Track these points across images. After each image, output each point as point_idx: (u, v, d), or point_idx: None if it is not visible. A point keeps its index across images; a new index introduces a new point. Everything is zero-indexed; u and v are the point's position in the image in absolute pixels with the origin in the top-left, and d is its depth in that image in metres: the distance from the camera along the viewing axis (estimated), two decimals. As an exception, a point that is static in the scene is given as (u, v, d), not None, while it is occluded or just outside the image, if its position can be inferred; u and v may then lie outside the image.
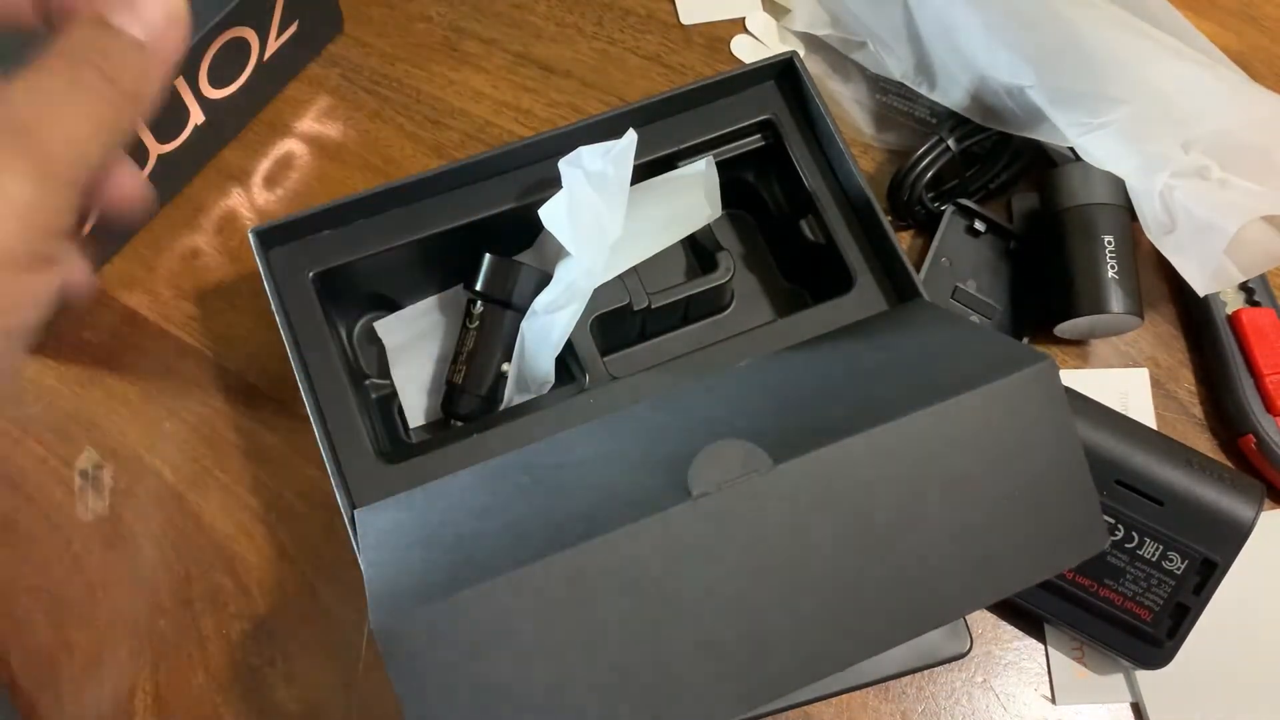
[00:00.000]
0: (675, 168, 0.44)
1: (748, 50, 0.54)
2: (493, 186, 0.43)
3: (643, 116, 0.43)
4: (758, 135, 0.45)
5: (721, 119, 0.44)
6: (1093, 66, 0.44)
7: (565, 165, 0.40)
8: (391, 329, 0.45)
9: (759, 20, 0.55)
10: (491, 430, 0.39)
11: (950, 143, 0.49)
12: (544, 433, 0.39)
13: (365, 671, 0.43)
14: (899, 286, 0.42)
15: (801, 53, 0.54)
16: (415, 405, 0.45)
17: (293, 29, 0.49)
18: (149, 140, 0.45)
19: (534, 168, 0.43)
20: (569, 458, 0.37)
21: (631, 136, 0.39)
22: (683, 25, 0.55)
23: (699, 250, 0.46)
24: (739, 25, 0.55)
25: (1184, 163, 0.43)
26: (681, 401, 0.38)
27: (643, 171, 0.43)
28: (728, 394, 0.37)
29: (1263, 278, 0.48)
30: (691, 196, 0.43)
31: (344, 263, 0.41)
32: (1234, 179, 0.43)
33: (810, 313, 0.42)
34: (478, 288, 0.42)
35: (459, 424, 0.43)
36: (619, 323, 0.43)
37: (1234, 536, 0.41)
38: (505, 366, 0.42)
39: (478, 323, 0.43)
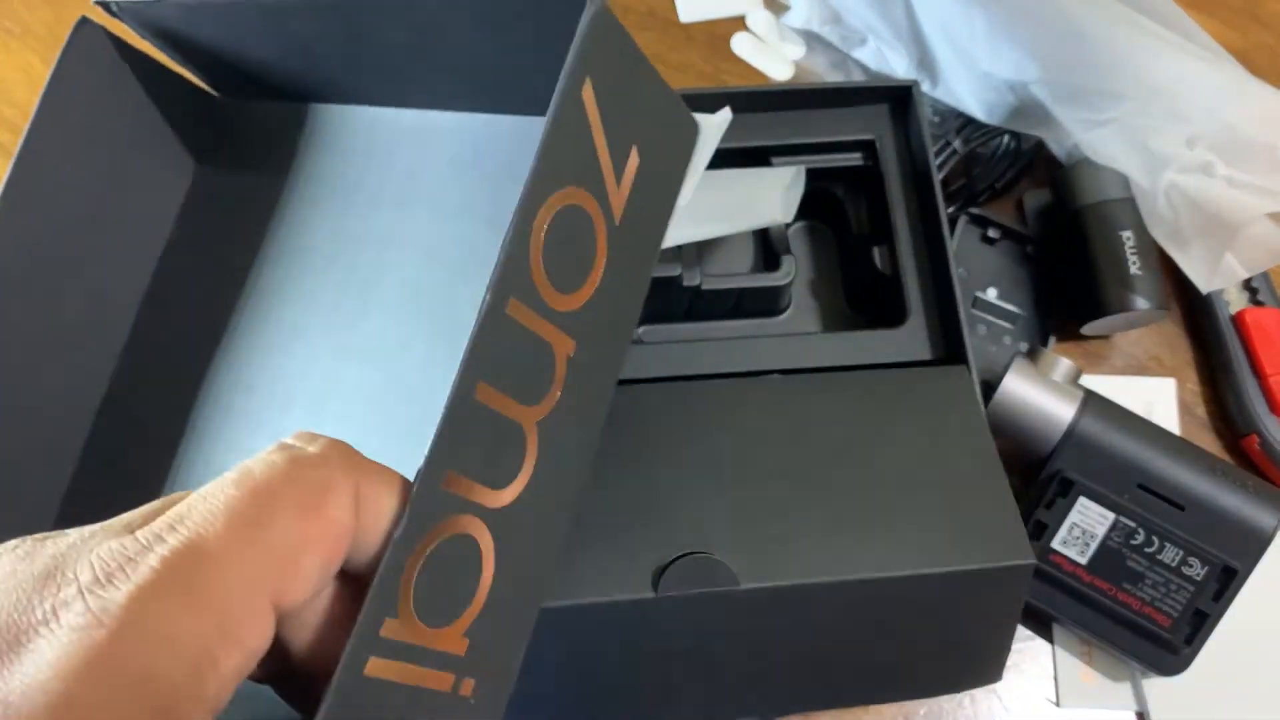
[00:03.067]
0: (769, 162, 0.44)
1: (748, 48, 0.54)
2: None
3: (751, 103, 0.43)
4: (857, 154, 0.45)
5: (825, 128, 0.44)
6: (1096, 63, 0.44)
7: None
8: None
9: (759, 18, 0.54)
10: None
11: (956, 144, 0.49)
12: None
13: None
14: (947, 333, 0.41)
15: (802, 50, 0.54)
16: None
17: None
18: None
19: None
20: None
21: (726, 114, 0.39)
22: (682, 23, 0.54)
23: (767, 248, 0.45)
24: (739, 23, 0.54)
25: (1188, 159, 0.43)
26: (681, 462, 0.37)
27: (736, 157, 0.42)
28: (729, 464, 0.37)
29: (1267, 277, 0.48)
30: (768, 194, 0.42)
31: None
32: (1238, 175, 0.43)
33: (854, 336, 0.41)
34: None
35: None
36: (666, 292, 0.43)
37: (1255, 545, 0.40)
38: None
39: None
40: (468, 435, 0.24)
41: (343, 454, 0.22)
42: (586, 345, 0.27)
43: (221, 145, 0.43)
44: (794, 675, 0.36)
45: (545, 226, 0.25)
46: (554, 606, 0.32)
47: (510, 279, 0.24)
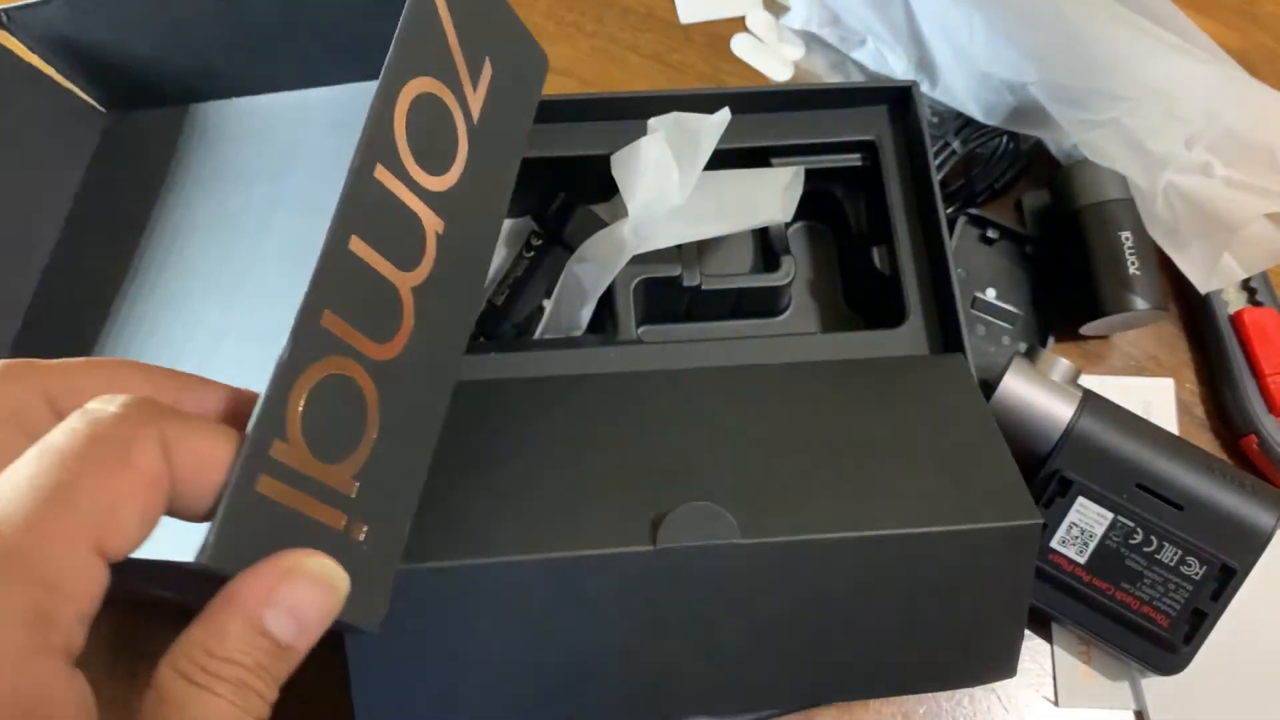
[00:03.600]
0: (768, 163, 0.44)
1: (748, 49, 0.54)
2: (591, 130, 0.43)
3: (750, 104, 0.43)
4: (857, 154, 0.45)
5: (825, 128, 0.44)
6: (1095, 63, 0.44)
7: (654, 123, 0.40)
8: None
9: (759, 18, 0.55)
10: (511, 353, 0.39)
11: (955, 145, 0.49)
12: (557, 370, 0.39)
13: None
14: (946, 334, 0.42)
15: (802, 51, 0.54)
16: None
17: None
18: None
19: (640, 122, 0.42)
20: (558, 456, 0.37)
21: (725, 114, 0.39)
22: (682, 24, 0.54)
23: (767, 249, 0.46)
24: (739, 24, 0.55)
25: (1187, 160, 0.43)
26: (683, 433, 0.37)
27: (736, 157, 0.43)
28: (730, 435, 0.37)
29: (1265, 277, 0.48)
30: (767, 194, 0.43)
31: None
32: (1237, 176, 0.43)
33: (852, 335, 0.42)
34: (544, 221, 0.43)
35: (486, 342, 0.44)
36: (666, 293, 0.43)
37: (1253, 544, 0.40)
38: (545, 302, 0.43)
39: (532, 253, 0.43)
40: (344, 281, 0.26)
41: (142, 408, 0.22)
42: (455, 229, 0.30)
43: (108, 153, 0.45)
44: (798, 657, 0.35)
45: (406, 108, 0.28)
46: (547, 558, 0.31)
47: (375, 147, 0.27)
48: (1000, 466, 0.35)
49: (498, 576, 0.32)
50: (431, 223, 0.29)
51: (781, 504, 0.34)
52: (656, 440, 0.36)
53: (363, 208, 0.27)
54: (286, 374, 0.24)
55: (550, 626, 0.33)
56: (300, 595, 0.23)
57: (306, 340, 0.25)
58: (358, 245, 0.27)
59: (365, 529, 0.27)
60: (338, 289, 0.26)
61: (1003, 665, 0.36)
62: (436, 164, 0.30)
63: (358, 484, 0.27)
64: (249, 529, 0.23)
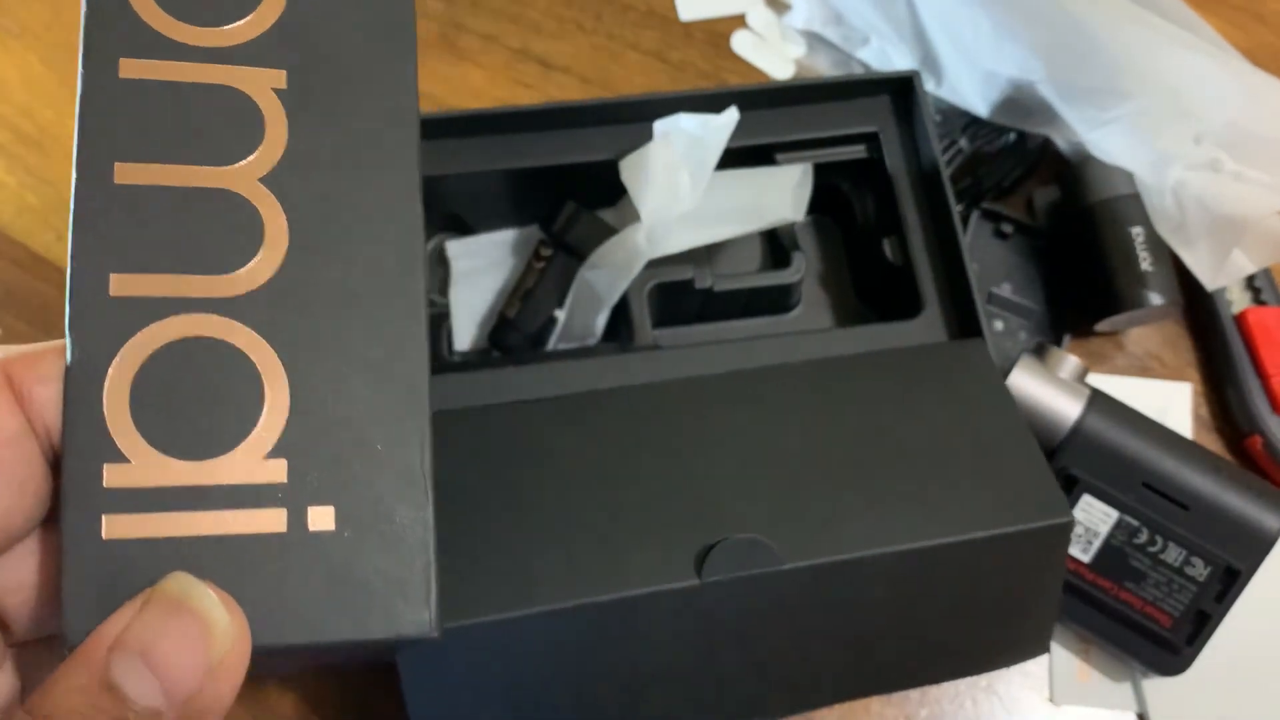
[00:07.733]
0: (773, 160, 0.44)
1: (748, 47, 0.54)
2: (594, 135, 0.42)
3: (751, 100, 0.42)
4: (861, 146, 0.45)
5: (828, 122, 0.44)
6: (1102, 60, 0.44)
7: (660, 125, 0.39)
8: (462, 252, 0.45)
9: (760, 16, 0.54)
10: (528, 366, 0.39)
11: (962, 143, 0.48)
12: (576, 382, 0.39)
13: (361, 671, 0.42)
14: (963, 321, 0.41)
15: (804, 50, 0.54)
16: (465, 329, 0.45)
17: None
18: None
19: (643, 125, 0.42)
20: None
21: (733, 114, 0.39)
22: (682, 21, 0.54)
23: (775, 246, 0.45)
24: (739, 21, 0.54)
25: (1195, 156, 0.43)
26: (711, 450, 0.37)
27: (740, 156, 0.42)
28: (758, 449, 0.37)
29: (1269, 276, 0.47)
30: (778, 194, 0.42)
31: (430, 176, 0.39)
32: (1246, 171, 0.43)
33: (869, 329, 0.41)
34: (552, 230, 0.43)
35: (499, 355, 0.44)
36: (679, 297, 0.43)
37: (1258, 546, 0.40)
38: (558, 312, 0.43)
39: (543, 264, 0.43)
40: (126, 227, 0.21)
41: None
42: (307, 68, 0.23)
43: None
44: (841, 659, 0.36)
45: None
46: (595, 601, 0.32)
47: (106, 35, 0.21)
48: (1027, 459, 0.36)
49: (543, 624, 0.32)
50: (257, 80, 0.22)
51: (819, 523, 0.34)
52: (687, 462, 0.36)
53: (118, 123, 0.21)
54: (83, 378, 0.20)
55: (597, 660, 0.33)
56: (154, 630, 0.18)
57: (94, 325, 0.20)
58: (130, 172, 0.21)
59: (333, 512, 0.21)
60: (119, 240, 0.21)
61: (1034, 644, 0.37)
62: (225, 6, 0.22)
63: (285, 462, 0.21)
64: (113, 587, 0.19)
